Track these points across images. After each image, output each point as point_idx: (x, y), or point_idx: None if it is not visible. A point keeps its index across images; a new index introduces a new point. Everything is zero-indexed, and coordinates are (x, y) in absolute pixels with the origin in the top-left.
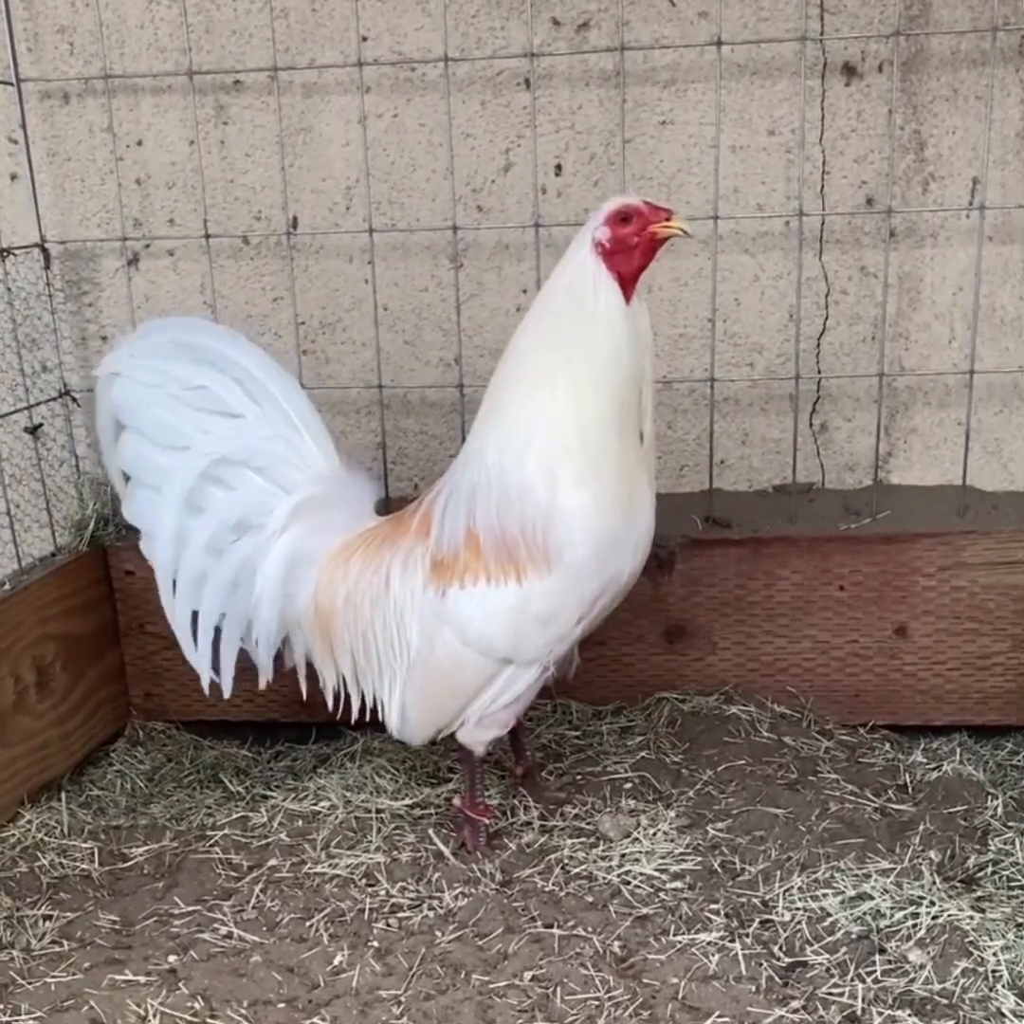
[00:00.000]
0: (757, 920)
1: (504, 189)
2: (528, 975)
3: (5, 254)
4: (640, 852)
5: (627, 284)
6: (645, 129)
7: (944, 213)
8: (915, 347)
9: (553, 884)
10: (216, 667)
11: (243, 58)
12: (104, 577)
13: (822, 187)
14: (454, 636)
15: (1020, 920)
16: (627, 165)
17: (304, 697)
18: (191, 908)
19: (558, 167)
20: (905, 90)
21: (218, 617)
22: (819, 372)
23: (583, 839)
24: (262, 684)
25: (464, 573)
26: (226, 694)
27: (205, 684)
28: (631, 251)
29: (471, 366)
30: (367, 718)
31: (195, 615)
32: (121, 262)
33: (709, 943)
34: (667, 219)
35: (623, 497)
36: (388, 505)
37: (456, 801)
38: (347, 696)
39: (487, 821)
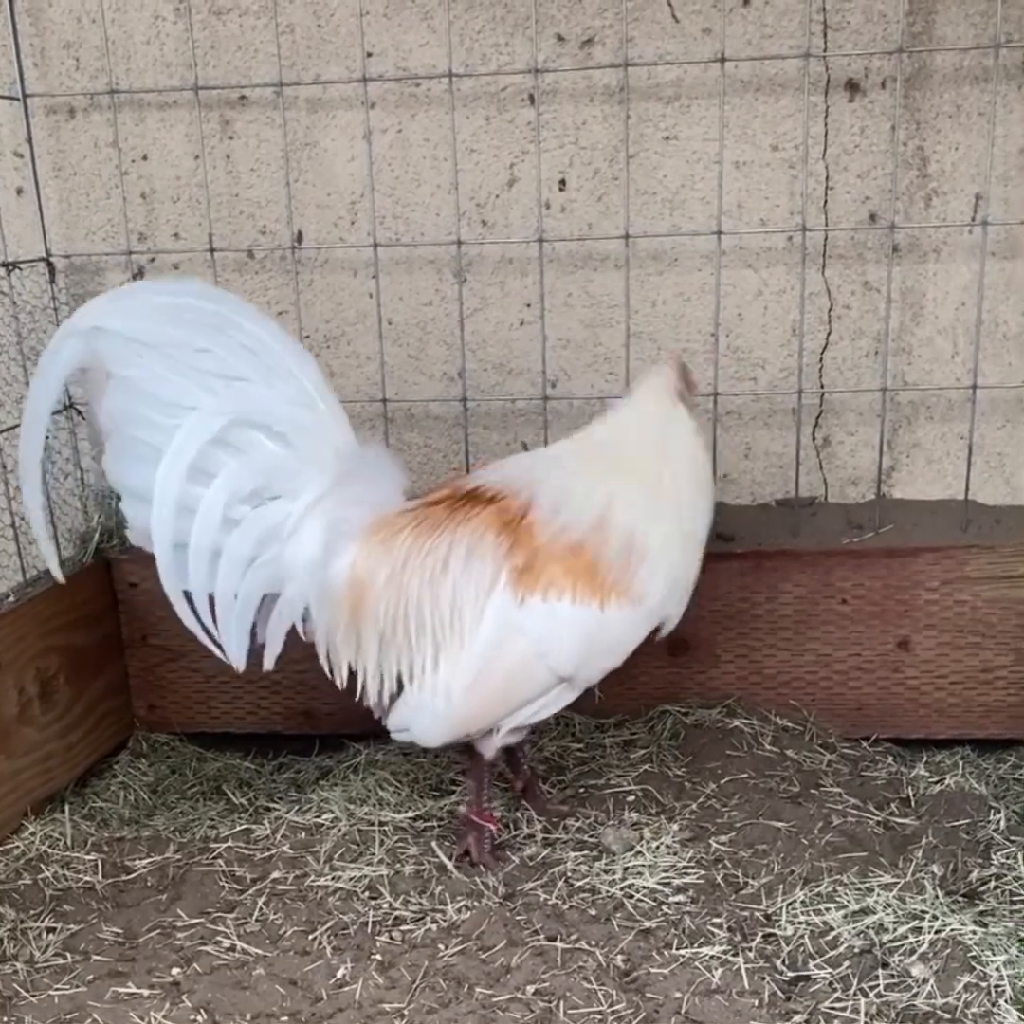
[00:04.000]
0: (760, 934)
1: (508, 204)
2: (531, 988)
3: (11, 268)
4: (643, 865)
5: None
6: (649, 145)
7: (947, 229)
8: (918, 362)
9: (556, 897)
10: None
11: (248, 73)
12: (108, 589)
13: (825, 202)
14: (531, 646)
15: (1023, 935)
16: (631, 180)
17: (329, 676)
18: (194, 921)
19: (562, 182)
20: (908, 106)
21: (231, 594)
22: (822, 386)
23: (586, 852)
24: (269, 664)
25: (549, 587)
26: (240, 668)
27: (235, 661)
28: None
29: (475, 380)
30: (385, 701)
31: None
32: (126, 276)
33: (712, 957)
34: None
35: (694, 566)
36: None
37: (462, 808)
38: (362, 684)
39: (493, 827)
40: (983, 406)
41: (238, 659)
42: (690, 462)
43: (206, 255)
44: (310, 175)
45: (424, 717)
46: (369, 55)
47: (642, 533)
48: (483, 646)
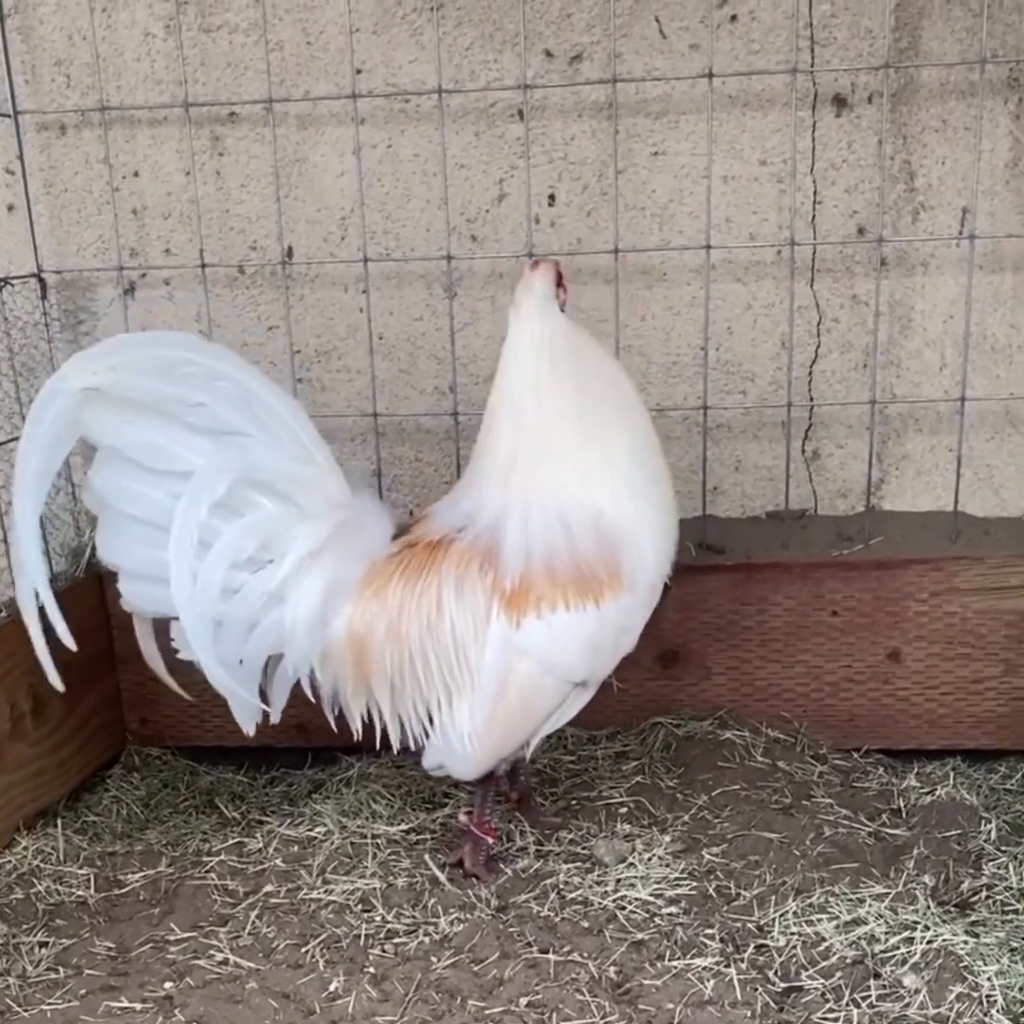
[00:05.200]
0: (752, 945)
1: (498, 219)
2: (524, 1001)
3: (2, 284)
4: (635, 877)
5: None
6: (637, 160)
7: (934, 242)
8: (906, 374)
9: (549, 909)
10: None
11: (239, 90)
12: (100, 604)
13: (813, 216)
14: (535, 665)
15: (1014, 945)
16: (620, 195)
17: (334, 730)
18: (187, 934)
19: (551, 197)
20: (895, 121)
21: (236, 664)
22: (811, 399)
23: (579, 864)
24: (276, 717)
25: (540, 603)
26: (250, 732)
27: (245, 725)
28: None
29: (466, 394)
30: (412, 747)
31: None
32: (117, 291)
33: (704, 968)
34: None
35: (671, 513)
36: None
37: (461, 817)
38: (382, 729)
39: (491, 840)
40: (972, 418)
41: (248, 723)
42: (608, 389)
43: (197, 270)
44: (300, 191)
45: (455, 756)
46: (358, 72)
47: (610, 516)
48: (491, 678)
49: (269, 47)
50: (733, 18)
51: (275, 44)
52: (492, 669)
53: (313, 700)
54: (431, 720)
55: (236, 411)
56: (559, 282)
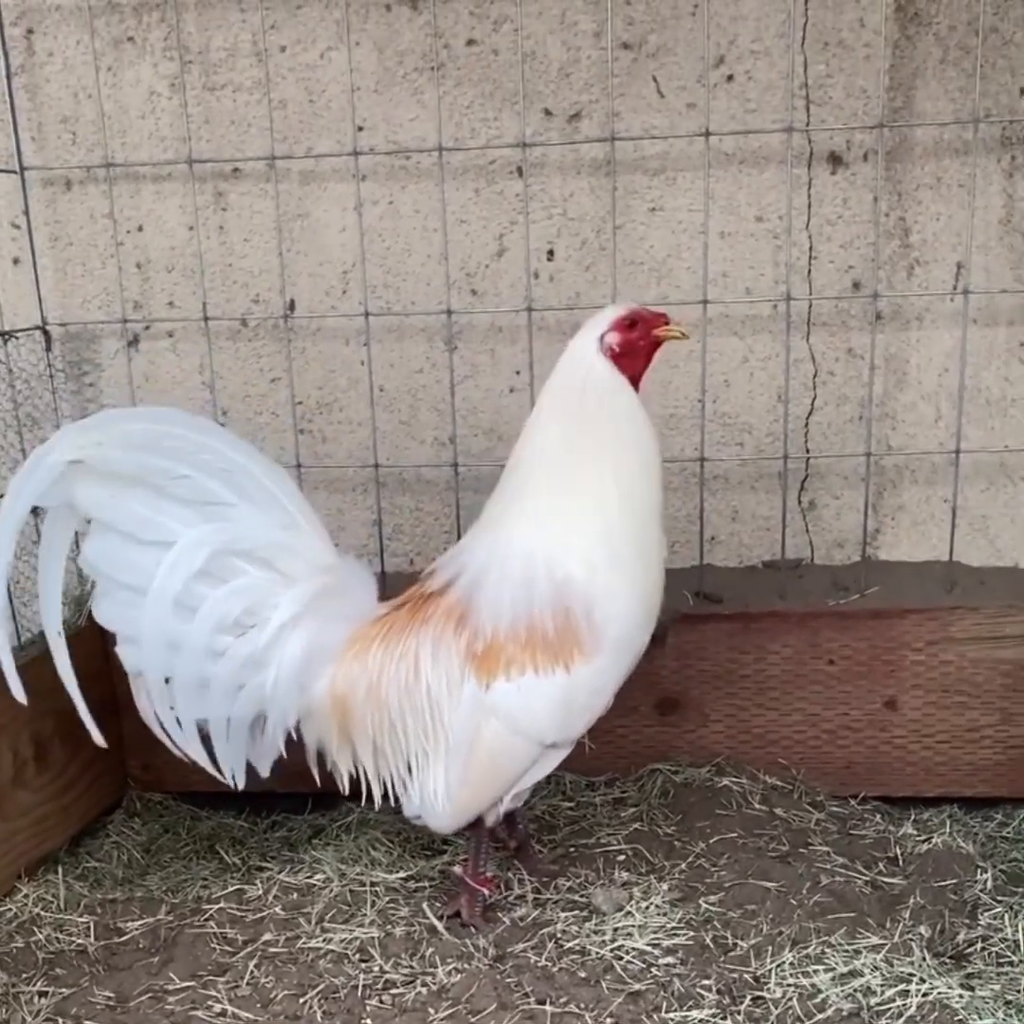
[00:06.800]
0: (749, 996)
1: (497, 274)
2: None
3: (7, 337)
4: (633, 926)
5: (634, 384)
6: (635, 216)
7: (929, 297)
8: (902, 427)
9: (546, 959)
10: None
11: (242, 147)
12: (102, 651)
13: (809, 272)
14: (504, 727)
15: (1009, 998)
16: (618, 251)
17: (318, 784)
18: (186, 984)
19: (550, 252)
20: (890, 178)
21: (224, 722)
22: (807, 451)
23: (576, 912)
24: (265, 772)
25: (510, 666)
26: (241, 786)
27: (235, 780)
28: (637, 354)
29: (465, 445)
30: (391, 802)
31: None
32: (121, 343)
33: (701, 1020)
34: (666, 323)
35: (652, 574)
36: (384, 579)
37: (457, 869)
38: (366, 783)
39: (486, 892)
40: (966, 470)
41: (239, 778)
42: (634, 467)
43: (200, 323)
44: (302, 245)
45: (429, 810)
46: (360, 129)
47: (585, 580)
48: (461, 739)
49: (272, 105)
50: (730, 78)
51: (278, 102)
52: (462, 729)
53: (284, 756)
54: (411, 776)
55: (219, 481)
56: (626, 325)
